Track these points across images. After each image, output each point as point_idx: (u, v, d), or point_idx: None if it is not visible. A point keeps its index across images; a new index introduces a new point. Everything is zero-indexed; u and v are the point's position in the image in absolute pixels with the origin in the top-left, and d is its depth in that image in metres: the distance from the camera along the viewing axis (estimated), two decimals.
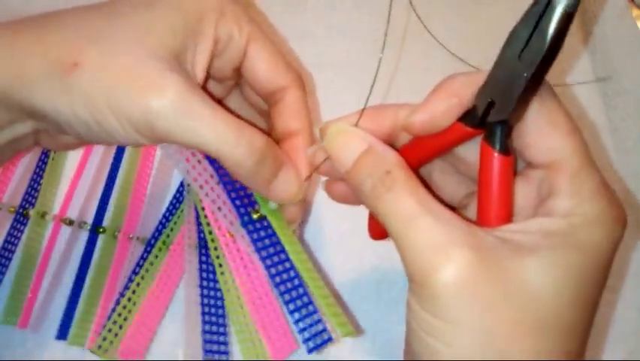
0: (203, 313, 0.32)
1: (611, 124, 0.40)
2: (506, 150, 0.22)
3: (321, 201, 0.37)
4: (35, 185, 0.36)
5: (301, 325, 0.27)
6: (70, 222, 0.35)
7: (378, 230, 0.28)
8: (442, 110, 0.23)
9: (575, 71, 0.41)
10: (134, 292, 0.32)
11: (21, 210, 0.35)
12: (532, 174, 0.23)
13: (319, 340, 0.27)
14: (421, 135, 0.24)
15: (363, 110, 0.25)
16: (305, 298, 0.28)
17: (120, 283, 0.33)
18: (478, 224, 0.22)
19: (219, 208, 0.29)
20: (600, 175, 0.22)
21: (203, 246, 0.33)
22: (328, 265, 0.35)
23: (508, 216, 0.22)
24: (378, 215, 0.22)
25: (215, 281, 0.32)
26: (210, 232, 0.31)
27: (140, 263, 0.33)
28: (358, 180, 0.23)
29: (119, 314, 0.31)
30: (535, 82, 0.21)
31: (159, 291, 0.33)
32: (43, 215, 0.35)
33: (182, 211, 0.34)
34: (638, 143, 0.38)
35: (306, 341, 0.27)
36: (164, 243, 0.34)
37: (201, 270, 0.32)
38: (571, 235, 0.21)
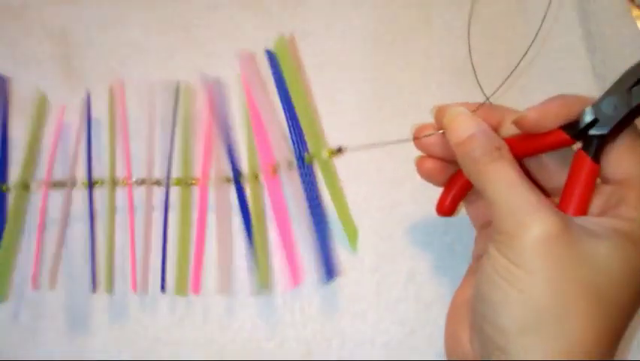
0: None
1: None
2: (597, 159, 0.27)
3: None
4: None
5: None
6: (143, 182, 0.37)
7: (446, 207, 0.32)
8: (554, 112, 0.27)
9: (575, 72, 0.41)
10: None
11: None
12: (604, 188, 0.28)
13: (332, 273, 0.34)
14: (526, 132, 0.28)
15: (482, 103, 0.30)
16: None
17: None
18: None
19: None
20: None
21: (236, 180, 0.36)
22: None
23: (584, 212, 0.27)
24: (480, 178, 0.26)
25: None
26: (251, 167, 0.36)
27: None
28: (469, 149, 0.27)
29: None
30: (636, 113, 0.26)
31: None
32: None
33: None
34: None
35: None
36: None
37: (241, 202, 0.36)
38: (636, 235, 0.25)
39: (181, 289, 0.34)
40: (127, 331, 0.34)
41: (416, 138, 0.31)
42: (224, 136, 0.37)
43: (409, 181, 0.38)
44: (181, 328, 0.34)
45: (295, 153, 0.36)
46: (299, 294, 0.35)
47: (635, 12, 0.43)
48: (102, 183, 0.36)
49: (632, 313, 0.26)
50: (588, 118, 0.27)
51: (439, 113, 0.30)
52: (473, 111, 0.29)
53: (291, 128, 0.37)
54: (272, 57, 0.39)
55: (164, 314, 0.34)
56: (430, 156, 0.32)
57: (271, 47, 0.40)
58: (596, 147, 0.27)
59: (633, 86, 0.26)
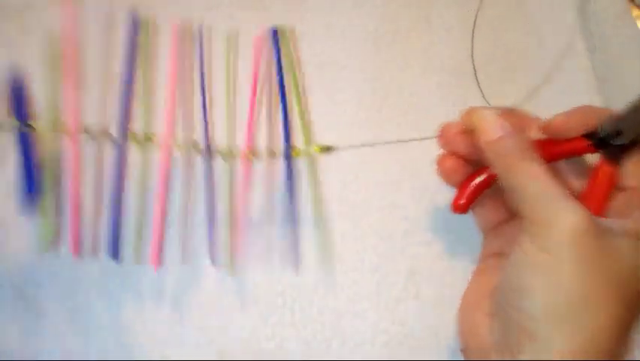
0: None
1: None
2: (617, 167, 0.29)
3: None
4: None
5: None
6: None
7: (461, 205, 0.32)
8: (579, 120, 0.30)
9: (575, 72, 0.41)
10: None
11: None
12: (619, 195, 0.30)
13: None
14: (551, 136, 0.30)
15: (511, 108, 0.32)
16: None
17: None
18: None
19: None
20: None
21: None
22: (328, 265, 0.35)
23: (603, 215, 0.29)
24: (512, 173, 0.28)
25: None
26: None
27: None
28: (501, 147, 0.29)
29: None
30: None
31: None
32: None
33: None
34: None
35: None
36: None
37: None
38: None
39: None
40: (127, 331, 0.34)
41: (441, 136, 0.33)
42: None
43: (409, 181, 0.38)
44: (181, 328, 0.34)
45: (284, 143, 0.36)
46: (299, 294, 0.35)
47: (635, 12, 0.43)
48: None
49: None
50: (611, 129, 0.29)
51: (468, 114, 0.32)
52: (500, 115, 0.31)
53: (283, 116, 0.37)
54: (275, 37, 0.39)
55: (164, 314, 0.34)
56: (451, 154, 0.33)
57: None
58: (618, 156, 0.29)
59: None
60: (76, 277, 0.35)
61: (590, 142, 0.30)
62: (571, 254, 0.26)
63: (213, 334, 0.34)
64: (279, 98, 0.37)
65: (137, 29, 0.34)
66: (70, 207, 0.34)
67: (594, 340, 0.25)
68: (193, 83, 0.37)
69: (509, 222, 0.33)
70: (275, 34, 0.38)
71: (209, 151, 0.36)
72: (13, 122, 0.34)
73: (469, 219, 0.36)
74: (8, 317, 0.34)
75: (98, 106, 0.36)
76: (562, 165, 0.32)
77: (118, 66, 0.38)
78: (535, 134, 0.31)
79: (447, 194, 0.34)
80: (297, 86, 0.37)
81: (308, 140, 0.36)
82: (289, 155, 0.36)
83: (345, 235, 0.36)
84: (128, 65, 0.35)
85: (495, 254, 0.31)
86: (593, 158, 0.30)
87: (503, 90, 0.40)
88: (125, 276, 0.35)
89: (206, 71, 0.39)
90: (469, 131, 0.32)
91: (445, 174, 0.33)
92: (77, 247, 0.34)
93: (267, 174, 0.36)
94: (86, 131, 0.35)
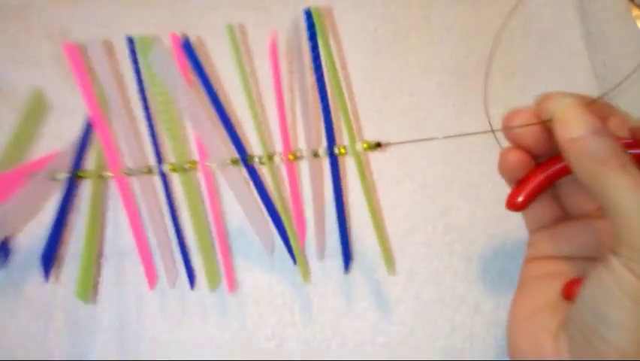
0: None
1: None
2: None
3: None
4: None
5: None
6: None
7: (519, 203, 0.29)
8: None
9: (575, 71, 0.41)
10: None
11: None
12: None
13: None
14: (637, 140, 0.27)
15: (596, 99, 0.27)
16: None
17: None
18: None
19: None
20: None
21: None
22: (329, 265, 0.35)
23: None
24: (602, 182, 0.24)
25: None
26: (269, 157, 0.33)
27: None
28: (591, 147, 0.25)
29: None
30: None
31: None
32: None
33: None
34: None
35: None
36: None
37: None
38: None
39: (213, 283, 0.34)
40: (127, 331, 0.34)
41: (506, 128, 0.29)
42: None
43: (410, 181, 0.38)
44: (181, 328, 0.34)
45: (327, 141, 0.33)
46: (299, 294, 0.35)
47: (635, 12, 0.43)
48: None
49: None
50: None
51: (546, 100, 0.27)
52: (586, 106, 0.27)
53: (324, 112, 0.32)
54: (310, 20, 0.31)
55: (163, 314, 0.34)
56: (517, 147, 0.29)
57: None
58: None
59: None
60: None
61: None
62: None
63: (213, 334, 0.34)
64: (314, 93, 0.32)
65: (137, 52, 0.33)
66: (138, 245, 0.34)
67: None
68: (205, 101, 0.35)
69: (566, 223, 0.30)
70: (309, 16, 0.30)
71: (245, 161, 0.34)
72: (66, 173, 0.33)
73: (469, 219, 0.36)
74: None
75: (128, 142, 0.35)
76: None
77: (131, 95, 0.38)
78: (622, 133, 0.27)
79: (447, 194, 0.34)
80: (336, 77, 0.31)
81: (353, 137, 0.32)
82: (332, 153, 0.32)
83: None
84: (142, 93, 0.33)
85: (548, 258, 0.29)
86: None
87: (503, 90, 0.40)
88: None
89: (215, 84, 0.37)
90: (542, 120, 0.28)
91: (509, 170, 0.29)
92: (153, 280, 0.35)
93: (313, 173, 0.34)
94: (128, 170, 0.34)
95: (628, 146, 0.26)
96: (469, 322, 0.34)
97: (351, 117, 0.36)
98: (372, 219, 0.32)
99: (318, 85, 0.31)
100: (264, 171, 0.35)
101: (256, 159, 0.33)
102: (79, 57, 0.32)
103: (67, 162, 0.34)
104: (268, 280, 0.35)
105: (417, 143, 0.36)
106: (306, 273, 0.34)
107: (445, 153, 0.38)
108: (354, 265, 0.35)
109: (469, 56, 0.42)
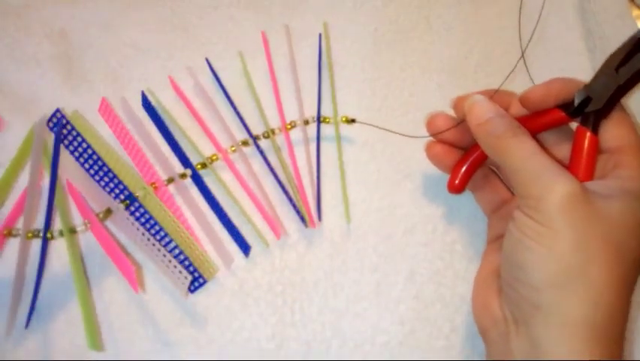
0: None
1: None
2: (595, 132, 0.30)
3: (323, 202, 0.37)
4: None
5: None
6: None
7: (456, 185, 0.34)
8: (554, 92, 0.31)
9: (575, 71, 0.41)
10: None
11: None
12: (599, 157, 0.31)
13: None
14: (530, 109, 0.32)
15: (497, 90, 0.33)
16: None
17: None
18: None
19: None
20: None
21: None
22: (329, 265, 0.35)
23: (591, 178, 0.30)
24: (502, 151, 0.29)
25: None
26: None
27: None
28: (491, 127, 0.30)
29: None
30: (624, 90, 0.30)
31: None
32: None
33: None
34: None
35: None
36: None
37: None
38: (637, 191, 0.28)
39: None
40: (127, 331, 0.34)
41: (436, 134, 0.35)
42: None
43: (409, 182, 0.38)
44: (181, 328, 0.34)
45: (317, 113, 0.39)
46: (299, 294, 0.35)
47: (635, 12, 0.43)
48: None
49: None
50: (582, 97, 0.30)
51: (459, 101, 0.33)
52: (490, 97, 0.32)
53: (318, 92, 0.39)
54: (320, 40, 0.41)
55: (163, 314, 0.34)
56: (440, 141, 0.35)
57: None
58: (593, 122, 0.30)
59: (619, 66, 0.30)
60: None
61: (565, 113, 0.31)
62: (565, 222, 0.26)
63: (214, 334, 0.34)
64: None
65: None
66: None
67: (599, 301, 0.26)
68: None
69: (510, 203, 0.34)
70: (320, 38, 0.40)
71: (253, 139, 0.38)
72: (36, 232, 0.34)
73: (469, 219, 0.36)
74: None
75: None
76: (548, 136, 0.33)
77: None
78: (517, 111, 0.33)
79: (447, 194, 0.34)
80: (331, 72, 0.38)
81: (336, 112, 0.39)
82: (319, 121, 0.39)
83: (345, 235, 0.36)
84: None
85: (500, 235, 0.32)
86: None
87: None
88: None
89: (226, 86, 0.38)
90: (457, 119, 0.33)
91: (436, 159, 0.35)
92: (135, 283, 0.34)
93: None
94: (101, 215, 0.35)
95: (522, 120, 0.31)
96: (469, 322, 0.34)
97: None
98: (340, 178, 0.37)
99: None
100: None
101: (261, 136, 0.38)
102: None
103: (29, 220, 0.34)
104: (268, 280, 0.35)
105: (417, 143, 0.36)
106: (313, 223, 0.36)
107: None
108: (355, 264, 0.35)
109: (469, 56, 0.42)
